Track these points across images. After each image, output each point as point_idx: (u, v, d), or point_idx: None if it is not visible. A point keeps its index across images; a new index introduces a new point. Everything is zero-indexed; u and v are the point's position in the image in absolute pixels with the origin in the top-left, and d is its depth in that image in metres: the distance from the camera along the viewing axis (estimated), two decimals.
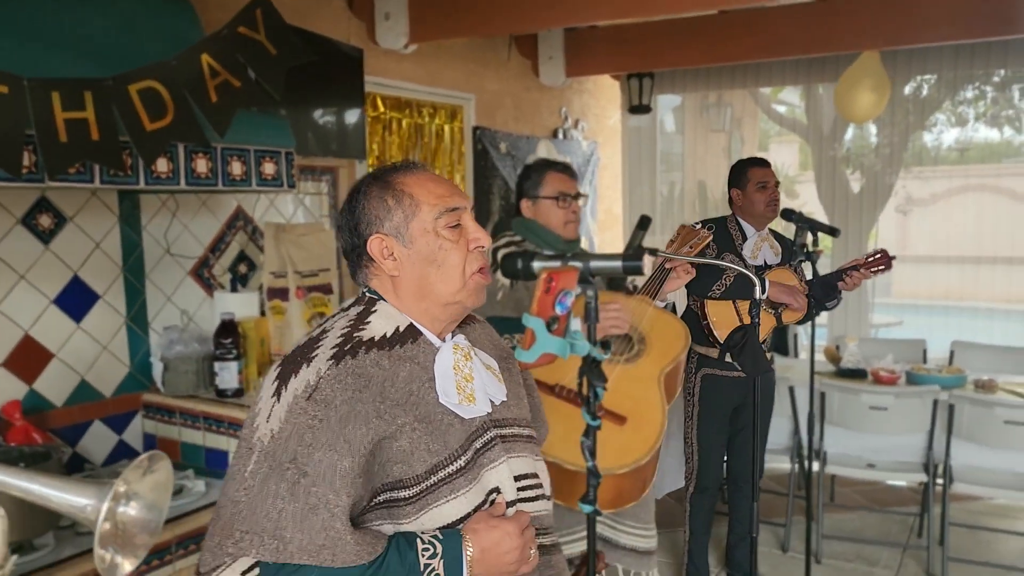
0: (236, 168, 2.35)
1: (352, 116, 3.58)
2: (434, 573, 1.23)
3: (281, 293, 2.99)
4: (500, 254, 2.34)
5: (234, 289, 3.09)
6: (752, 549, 2.32)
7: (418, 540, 1.24)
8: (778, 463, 4.09)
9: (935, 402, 3.62)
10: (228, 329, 2.72)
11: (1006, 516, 4.30)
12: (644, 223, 2.41)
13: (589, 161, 5.76)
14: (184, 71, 1.98)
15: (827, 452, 3.86)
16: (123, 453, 2.78)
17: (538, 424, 1.64)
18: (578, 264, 1.32)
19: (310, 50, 2.25)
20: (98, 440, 2.72)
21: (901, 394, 3.69)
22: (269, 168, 2.45)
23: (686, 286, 3.27)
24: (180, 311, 2.95)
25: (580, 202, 2.45)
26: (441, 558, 1.24)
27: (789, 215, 3.23)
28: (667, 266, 2.43)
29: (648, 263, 1.36)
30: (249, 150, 2.40)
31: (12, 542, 1.98)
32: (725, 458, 3.55)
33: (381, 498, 1.27)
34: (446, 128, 4.41)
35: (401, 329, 1.35)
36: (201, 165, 2.23)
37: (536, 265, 1.40)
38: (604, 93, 5.99)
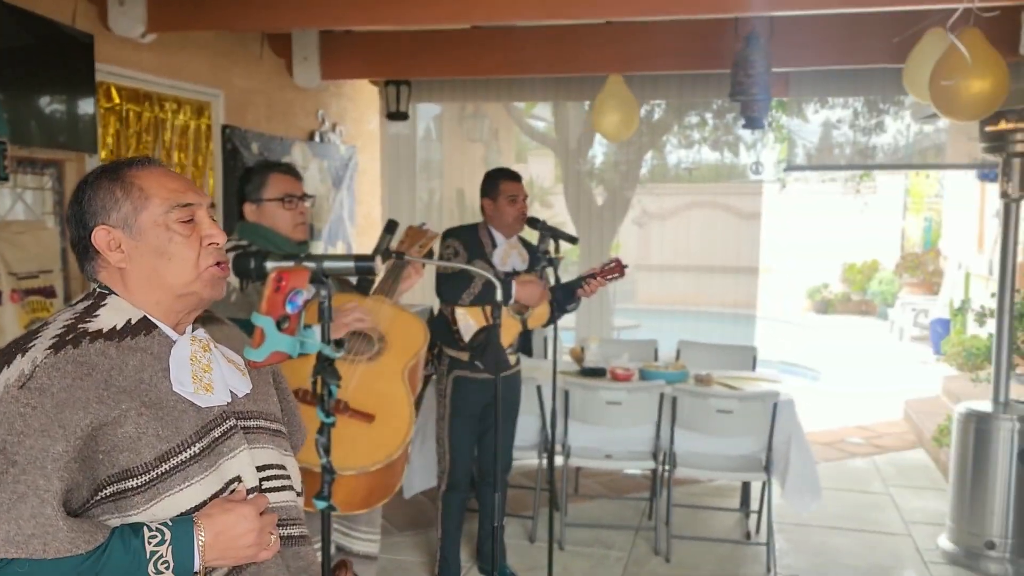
0: None
1: (81, 106, 3.29)
2: (162, 560, 1.19)
3: None
4: (230, 257, 2.28)
5: None
6: (494, 538, 2.43)
7: (144, 528, 1.20)
8: (528, 459, 4.31)
9: (661, 395, 4.00)
10: None
11: (722, 495, 4.83)
12: (391, 227, 2.47)
13: (348, 165, 5.73)
14: None
15: (570, 445, 4.13)
16: None
17: (294, 428, 1.62)
18: (310, 264, 1.34)
19: (22, 31, 2.04)
20: None
21: (633, 389, 4.04)
22: None
23: (436, 292, 3.38)
24: None
25: (308, 203, 2.45)
26: (169, 544, 1.20)
27: (534, 223, 3.43)
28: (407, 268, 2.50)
29: (379, 263, 1.40)
30: None
31: None
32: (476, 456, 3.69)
33: (108, 491, 1.22)
34: (191, 124, 4.19)
35: (133, 321, 1.32)
36: None
37: (269, 265, 1.40)
38: (363, 98, 5.99)
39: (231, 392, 1.38)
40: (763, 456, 3.98)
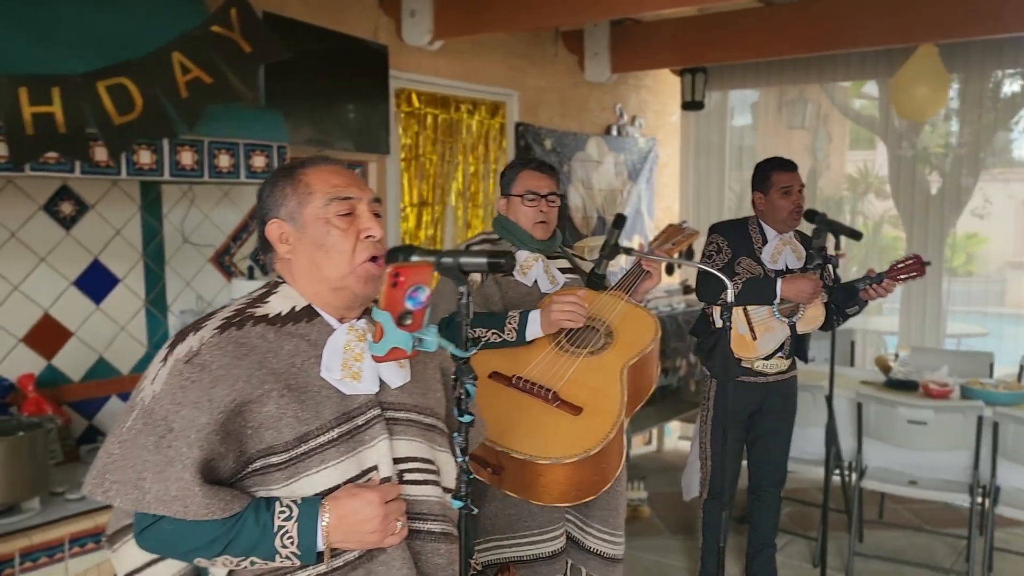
0: (224, 161, 2.46)
1: (377, 111, 3.65)
2: (287, 536, 1.28)
3: None
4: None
5: (251, 276, 3.22)
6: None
7: (276, 503, 1.29)
8: (815, 474, 3.92)
9: (979, 419, 3.39)
10: None
11: None
12: (619, 222, 2.37)
13: (647, 158, 5.67)
14: (155, 68, 2.09)
15: (867, 466, 3.68)
16: None
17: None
18: (429, 259, 1.33)
19: (285, 47, 2.31)
20: (114, 415, 2.90)
21: (941, 409, 3.47)
22: (259, 161, 2.55)
23: (695, 292, 3.20)
24: (197, 296, 3.11)
25: (553, 201, 2.39)
26: (295, 521, 1.28)
27: (812, 216, 3.09)
28: (644, 267, 2.37)
29: (511, 263, 1.36)
30: (239, 144, 2.51)
31: (0, 504, 2.17)
32: (745, 465, 3.46)
33: (256, 465, 1.33)
34: (486, 124, 4.44)
35: (297, 309, 1.41)
36: (186, 157, 2.34)
37: (414, 259, 1.42)
38: (665, 89, 5.87)
39: (382, 382, 1.42)
40: None
